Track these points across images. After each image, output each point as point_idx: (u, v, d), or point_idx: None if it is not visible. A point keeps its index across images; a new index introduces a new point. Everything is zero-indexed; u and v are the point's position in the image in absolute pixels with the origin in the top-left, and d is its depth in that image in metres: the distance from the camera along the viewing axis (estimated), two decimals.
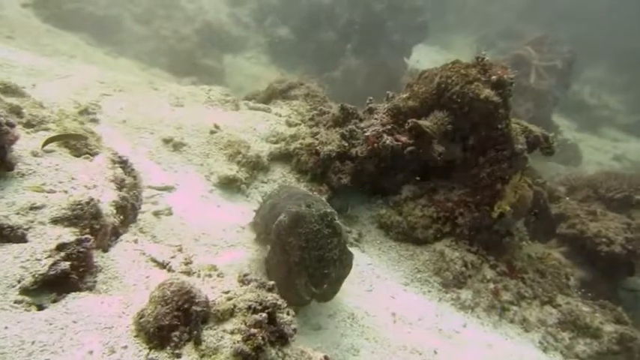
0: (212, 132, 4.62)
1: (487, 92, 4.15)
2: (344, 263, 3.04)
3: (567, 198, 6.86)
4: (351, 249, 4.28)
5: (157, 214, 3.62)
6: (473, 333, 3.85)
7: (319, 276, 2.87)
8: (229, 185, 4.30)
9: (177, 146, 4.38)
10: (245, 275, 2.77)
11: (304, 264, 2.81)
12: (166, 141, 4.37)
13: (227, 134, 4.61)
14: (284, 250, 2.85)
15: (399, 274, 4.25)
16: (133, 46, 9.19)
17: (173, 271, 2.61)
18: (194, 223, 3.76)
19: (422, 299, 4.07)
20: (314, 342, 3.21)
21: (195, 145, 4.49)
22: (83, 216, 2.37)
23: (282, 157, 4.71)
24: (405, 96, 4.71)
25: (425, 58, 17.62)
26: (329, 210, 2.88)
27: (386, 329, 3.53)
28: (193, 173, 4.32)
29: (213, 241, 3.69)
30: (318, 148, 4.47)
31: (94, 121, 4.14)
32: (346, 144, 4.48)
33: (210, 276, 2.76)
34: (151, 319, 2.17)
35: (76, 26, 8.21)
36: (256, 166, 4.52)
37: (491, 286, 4.20)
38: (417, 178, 4.59)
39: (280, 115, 5.20)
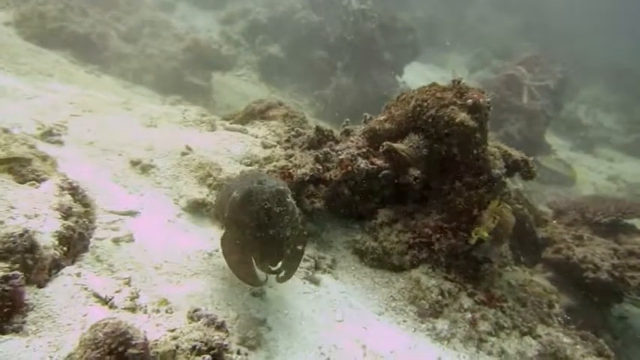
0: (183, 154, 4.50)
1: (462, 116, 4.05)
2: (298, 240, 3.10)
3: (554, 222, 6.72)
4: (324, 276, 4.20)
5: (116, 241, 3.46)
6: None
7: (274, 253, 2.90)
8: (198, 209, 4.16)
9: (145, 169, 4.25)
10: (195, 311, 2.62)
11: (258, 241, 2.82)
12: (134, 163, 4.24)
13: (199, 156, 4.49)
14: (237, 228, 2.86)
15: (373, 303, 4.08)
16: (119, 64, 9.14)
17: (116, 307, 2.45)
18: (157, 250, 3.60)
19: (396, 330, 3.90)
20: None
21: (165, 168, 4.36)
22: (15, 249, 2.23)
23: None
24: (382, 118, 4.62)
25: (419, 76, 17.68)
26: (281, 187, 2.88)
27: None
28: (161, 197, 4.18)
29: (176, 270, 3.52)
30: (291, 171, 4.35)
31: (59, 143, 4.02)
32: (320, 167, 4.36)
33: (157, 312, 2.61)
34: None
35: (59, 45, 8.17)
36: None
37: (469, 315, 4.03)
38: (393, 203, 4.45)
39: (257, 136, 5.10)
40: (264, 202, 2.76)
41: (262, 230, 2.79)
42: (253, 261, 2.96)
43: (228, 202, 2.88)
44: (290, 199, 2.91)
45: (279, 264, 3.02)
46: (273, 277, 3.85)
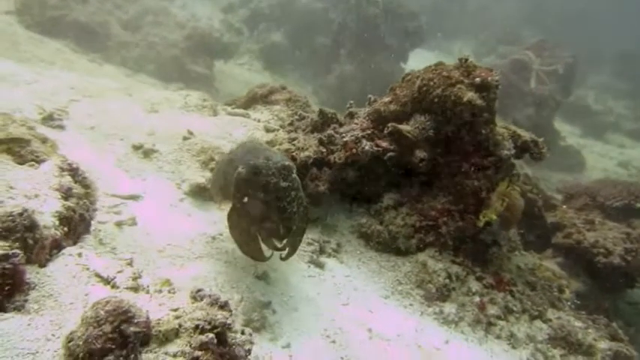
0: (185, 138, 4.45)
1: (470, 95, 3.95)
2: (303, 217, 3.10)
3: (564, 206, 6.61)
4: (328, 260, 4.14)
5: (119, 224, 3.43)
6: (455, 350, 3.61)
7: (281, 229, 2.89)
8: (201, 194, 4.12)
9: (147, 153, 4.20)
10: (198, 291, 2.57)
11: (265, 217, 2.82)
12: (136, 148, 4.20)
13: (201, 140, 4.43)
14: (243, 204, 2.85)
15: (378, 287, 4.03)
16: (120, 53, 9.07)
17: (118, 287, 2.41)
18: (160, 234, 3.57)
19: (402, 313, 3.85)
20: None
21: (167, 152, 4.31)
22: (15, 228, 2.18)
23: None
24: (386, 100, 4.53)
25: (424, 62, 17.38)
26: (287, 163, 2.89)
27: (360, 346, 3.31)
28: (164, 181, 4.13)
29: (179, 253, 3.49)
30: (294, 154, 4.27)
31: (60, 127, 3.97)
32: (324, 150, 4.29)
33: (160, 292, 2.57)
34: (81, 343, 1.97)
35: (60, 33, 8.11)
36: None
37: (477, 299, 3.97)
38: (399, 186, 4.37)
39: (259, 121, 5.03)
40: (270, 177, 2.75)
41: (269, 205, 2.78)
42: (259, 237, 2.94)
43: (233, 177, 2.85)
44: (295, 175, 2.90)
45: (285, 240, 3.01)
46: (276, 257, 3.83)
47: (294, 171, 2.89)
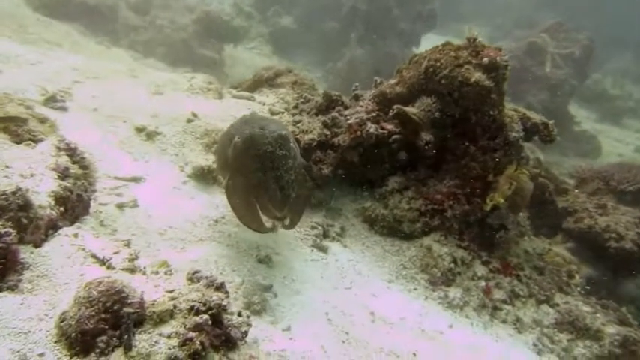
0: (189, 121, 4.41)
1: (477, 76, 3.83)
2: (302, 185, 3.10)
3: (576, 191, 6.45)
4: (332, 244, 4.10)
5: (120, 206, 3.42)
6: (459, 334, 3.57)
7: (278, 196, 2.89)
8: (204, 176, 4.09)
9: (150, 135, 4.18)
10: (195, 272, 2.55)
11: (262, 185, 2.84)
12: (139, 130, 4.17)
13: (205, 123, 4.39)
14: (241, 173, 2.88)
15: (382, 271, 3.98)
16: (129, 36, 9.05)
17: (113, 268, 2.40)
18: (161, 217, 3.55)
19: (406, 297, 3.80)
20: (281, 345, 2.98)
21: (171, 135, 4.28)
22: (8, 207, 2.17)
23: None
24: (393, 81, 4.43)
25: None
26: (283, 132, 2.89)
27: (362, 329, 3.28)
28: (167, 164, 4.11)
29: (181, 236, 3.47)
30: (298, 137, 4.21)
31: (62, 108, 3.96)
32: (328, 132, 4.21)
33: (157, 273, 2.55)
34: (73, 323, 1.97)
35: (68, 15, 8.11)
36: None
37: (483, 283, 3.91)
38: (405, 169, 4.29)
39: (264, 104, 4.97)
40: (266, 146, 2.76)
41: (265, 174, 2.78)
42: (257, 206, 2.94)
43: (230, 148, 2.85)
44: (292, 144, 2.90)
45: (285, 210, 2.99)
46: (280, 242, 3.79)
47: (291, 140, 2.89)
